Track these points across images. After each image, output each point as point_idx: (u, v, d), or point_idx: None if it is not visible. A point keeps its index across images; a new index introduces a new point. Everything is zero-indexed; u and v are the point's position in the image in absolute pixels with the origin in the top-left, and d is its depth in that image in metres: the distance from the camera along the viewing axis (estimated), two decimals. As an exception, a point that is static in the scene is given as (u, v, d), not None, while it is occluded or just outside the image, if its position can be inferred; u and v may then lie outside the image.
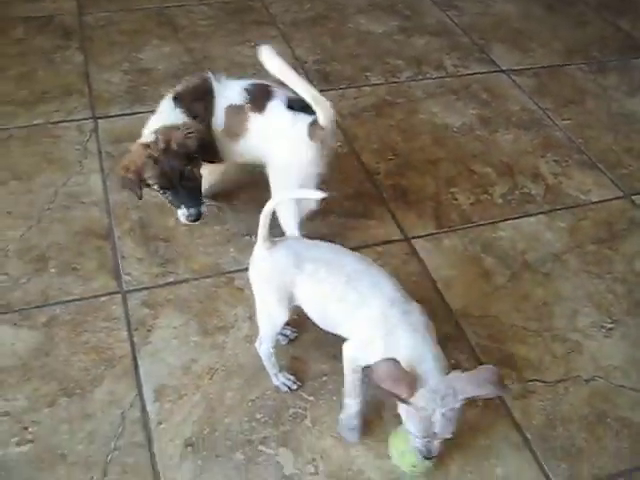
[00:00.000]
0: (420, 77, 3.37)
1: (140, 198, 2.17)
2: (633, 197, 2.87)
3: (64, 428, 1.89)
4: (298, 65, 3.25)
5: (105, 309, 2.19)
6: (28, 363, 2.02)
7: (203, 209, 2.19)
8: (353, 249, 2.47)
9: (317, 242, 1.93)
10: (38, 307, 2.16)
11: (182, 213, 2.16)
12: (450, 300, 2.36)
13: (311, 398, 2.02)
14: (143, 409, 1.95)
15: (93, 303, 2.20)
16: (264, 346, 2.01)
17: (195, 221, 2.17)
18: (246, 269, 2.09)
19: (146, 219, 2.48)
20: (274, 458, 1.89)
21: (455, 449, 1.94)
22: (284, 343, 2.15)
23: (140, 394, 1.99)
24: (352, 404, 1.92)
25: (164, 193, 2.13)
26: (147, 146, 2.07)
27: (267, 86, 2.22)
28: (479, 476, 1.91)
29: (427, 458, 1.73)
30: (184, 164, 2.07)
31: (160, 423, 1.93)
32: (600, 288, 2.48)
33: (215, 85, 2.22)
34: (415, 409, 1.64)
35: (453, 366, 2.15)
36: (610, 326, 2.35)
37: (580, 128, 3.20)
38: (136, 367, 2.05)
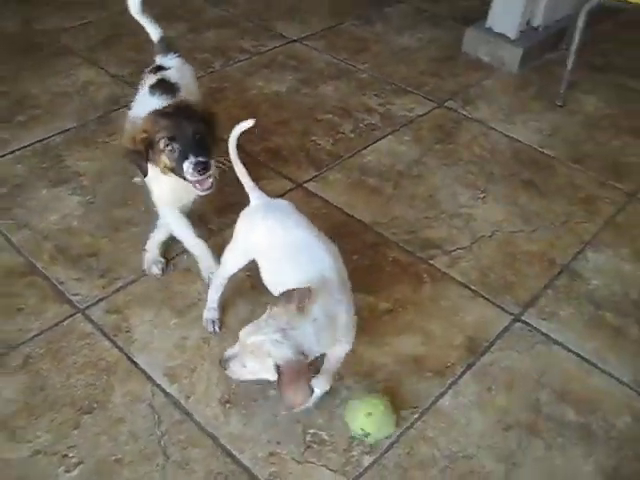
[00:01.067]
0: (232, 62, 3.63)
1: (146, 174, 2.08)
2: (446, 104, 3.44)
3: (103, 439, 1.86)
4: (117, 82, 3.33)
5: (74, 330, 2.14)
6: (29, 403, 1.93)
7: (212, 163, 2.01)
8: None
9: (290, 210, 1.99)
10: (4, 354, 2.05)
11: (190, 163, 1.95)
12: (360, 217, 2.68)
13: (302, 328, 2.21)
14: (166, 394, 1.99)
15: (58, 330, 2.14)
16: (218, 279, 2.15)
17: (204, 172, 1.97)
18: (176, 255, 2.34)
19: (61, 244, 2.42)
20: (302, 382, 2.05)
21: (430, 318, 2.29)
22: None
23: (155, 383, 2.01)
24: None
25: (169, 146, 1.97)
26: (155, 111, 2.05)
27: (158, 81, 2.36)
28: (456, 327, 2.28)
29: None
30: (197, 120, 2.02)
31: (189, 397, 1.99)
32: (460, 172, 2.99)
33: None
34: None
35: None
36: (482, 195, 2.86)
37: (378, 67, 3.72)
38: (136, 364, 2.06)
